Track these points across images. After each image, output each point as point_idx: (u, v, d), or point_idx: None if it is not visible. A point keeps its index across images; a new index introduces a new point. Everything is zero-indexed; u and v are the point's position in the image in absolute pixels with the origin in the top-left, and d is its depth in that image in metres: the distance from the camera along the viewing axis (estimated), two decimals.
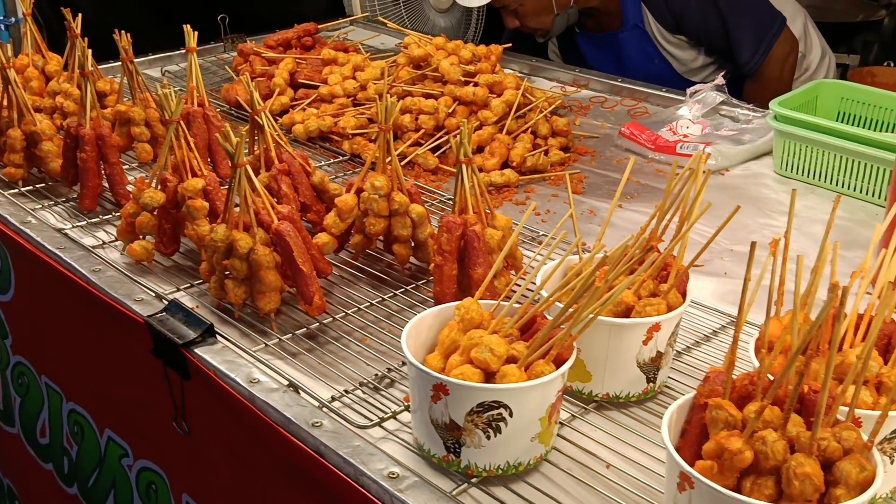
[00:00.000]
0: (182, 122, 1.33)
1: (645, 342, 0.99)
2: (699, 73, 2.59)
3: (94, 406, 1.42)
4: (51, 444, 1.59)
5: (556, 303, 0.96)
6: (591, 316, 0.88)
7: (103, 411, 1.41)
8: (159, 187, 1.35)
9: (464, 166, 1.18)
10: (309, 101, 2.00)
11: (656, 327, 0.98)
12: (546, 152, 1.80)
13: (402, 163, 1.75)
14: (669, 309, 0.99)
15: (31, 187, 1.62)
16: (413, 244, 1.34)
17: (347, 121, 1.83)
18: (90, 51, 1.54)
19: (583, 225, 1.55)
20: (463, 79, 1.87)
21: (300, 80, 2.06)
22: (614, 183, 1.73)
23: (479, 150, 1.79)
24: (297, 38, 2.29)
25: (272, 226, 1.20)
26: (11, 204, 1.53)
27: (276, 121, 1.96)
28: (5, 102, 1.63)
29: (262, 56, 2.23)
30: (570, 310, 0.89)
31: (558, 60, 2.76)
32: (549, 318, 0.95)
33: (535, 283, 1.04)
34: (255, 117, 1.43)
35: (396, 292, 1.30)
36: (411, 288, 1.31)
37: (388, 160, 1.30)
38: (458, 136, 1.17)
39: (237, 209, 1.21)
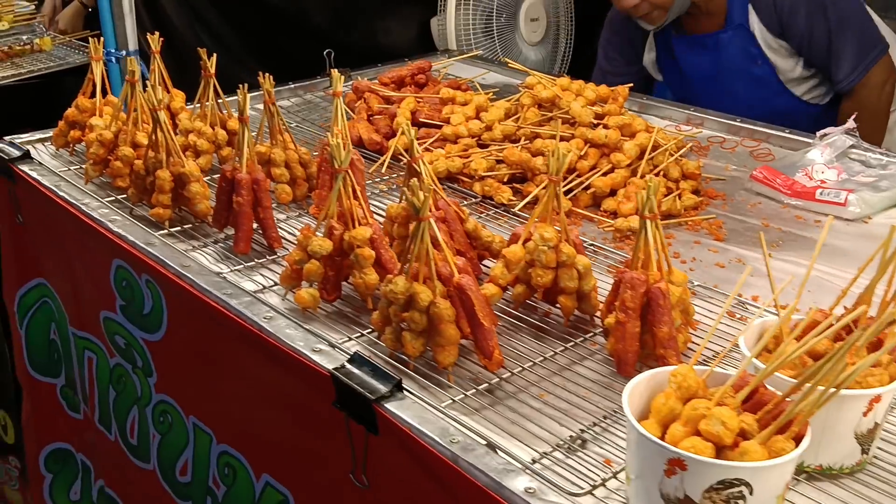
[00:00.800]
0: (350, 171, 1.35)
1: (865, 413, 0.96)
2: (797, 84, 2.51)
3: (252, 450, 1.43)
4: (192, 483, 1.60)
5: (777, 373, 0.94)
6: (833, 390, 0.86)
7: (262, 456, 1.41)
8: (325, 235, 1.36)
9: (648, 221, 1.17)
10: (431, 140, 2.01)
11: (877, 399, 0.96)
12: (679, 196, 1.78)
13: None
14: (891, 380, 0.97)
15: (178, 228, 1.65)
16: (576, 295, 1.33)
17: (479, 163, 1.83)
18: (265, 98, 1.57)
19: (733, 274, 1.53)
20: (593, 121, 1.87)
21: (421, 120, 2.08)
22: (754, 229, 1.71)
23: (612, 193, 1.79)
24: (411, 76, 2.31)
25: (453, 279, 1.20)
26: (165, 246, 1.55)
27: (398, 161, 2.00)
28: (152, 142, 1.66)
29: (378, 94, 2.24)
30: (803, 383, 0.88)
31: (654, 68, 2.71)
32: (771, 388, 0.94)
33: (717, 342, 1.02)
34: (413, 164, 1.44)
35: (566, 346, 1.29)
36: (580, 341, 1.30)
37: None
38: (647, 190, 1.16)
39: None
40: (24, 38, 3.13)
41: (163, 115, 1.62)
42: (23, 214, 1.96)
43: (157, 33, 1.98)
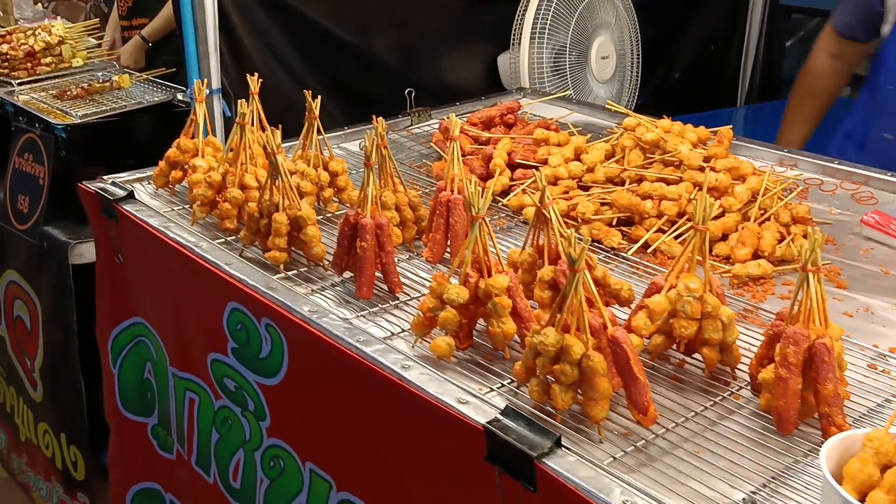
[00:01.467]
0: (486, 220, 1.34)
1: None
2: None
3: (377, 499, 1.40)
4: None
5: None
6: None
7: None
8: (460, 282, 1.35)
9: (811, 275, 1.15)
10: (529, 181, 1.99)
11: None
12: (791, 241, 1.76)
13: (648, 250, 1.73)
14: None
15: (294, 271, 1.64)
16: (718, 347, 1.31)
17: (587, 206, 1.81)
18: (377, 142, 1.56)
19: (863, 324, 1.50)
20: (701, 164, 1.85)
21: (516, 161, 2.07)
22: (874, 276, 1.67)
23: (723, 237, 1.76)
24: (501, 116, 2.30)
25: (608, 332, 1.18)
26: (286, 289, 1.54)
27: (496, 202, 1.99)
28: (267, 185, 1.66)
29: (468, 134, 2.24)
30: None
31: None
32: None
33: None
34: (543, 211, 1.42)
35: (715, 400, 1.26)
36: (727, 395, 1.27)
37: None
38: (810, 242, 1.14)
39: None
40: (100, 74, 3.17)
41: (280, 159, 1.62)
42: (123, 254, 1.96)
43: (255, 74, 2.00)
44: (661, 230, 1.77)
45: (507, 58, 3.23)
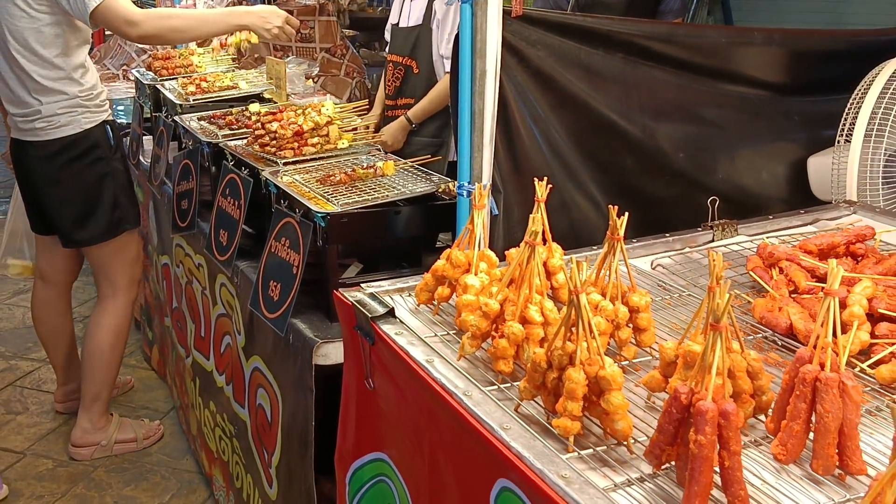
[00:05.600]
0: None
1: None
2: None
3: None
4: None
5: None
6: None
7: None
8: None
9: None
10: None
11: None
12: None
13: None
14: None
15: (589, 450, 1.24)
16: None
17: None
18: (729, 298, 1.14)
19: None
20: None
21: (880, 311, 1.55)
22: None
23: None
24: (846, 245, 1.79)
25: None
26: (582, 482, 1.14)
27: (850, 365, 1.48)
28: (560, 330, 1.29)
29: (799, 263, 1.75)
30: None
31: None
32: None
33: None
34: None
35: None
36: None
37: None
38: None
39: None
40: (363, 158, 3.03)
41: (584, 300, 1.25)
42: (374, 379, 1.68)
43: (545, 179, 1.67)
44: None
45: (822, 161, 2.70)
